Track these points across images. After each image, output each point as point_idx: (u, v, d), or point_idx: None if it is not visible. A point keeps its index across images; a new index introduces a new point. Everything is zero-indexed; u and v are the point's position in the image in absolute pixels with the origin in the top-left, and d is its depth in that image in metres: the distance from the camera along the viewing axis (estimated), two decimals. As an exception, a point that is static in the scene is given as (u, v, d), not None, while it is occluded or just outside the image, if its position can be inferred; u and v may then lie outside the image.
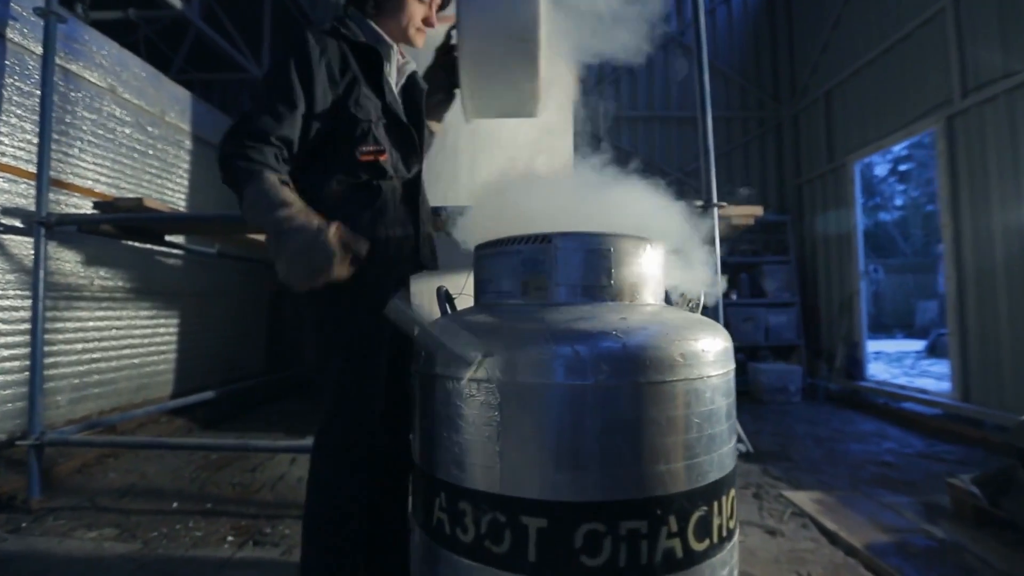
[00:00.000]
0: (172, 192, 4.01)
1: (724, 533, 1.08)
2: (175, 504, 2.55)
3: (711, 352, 1.08)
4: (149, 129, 3.74)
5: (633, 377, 0.98)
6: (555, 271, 1.15)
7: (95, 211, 2.81)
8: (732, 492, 1.13)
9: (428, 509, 1.14)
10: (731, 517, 1.12)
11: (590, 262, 1.15)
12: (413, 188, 1.42)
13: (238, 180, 1.16)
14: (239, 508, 2.50)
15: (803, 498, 2.55)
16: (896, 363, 7.87)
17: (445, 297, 1.35)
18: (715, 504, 1.06)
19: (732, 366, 1.18)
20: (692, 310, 1.31)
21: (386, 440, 1.38)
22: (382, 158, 1.32)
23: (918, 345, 9.35)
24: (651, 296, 1.23)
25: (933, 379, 6.07)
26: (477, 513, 1.03)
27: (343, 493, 1.28)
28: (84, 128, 3.19)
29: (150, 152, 3.74)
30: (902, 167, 16.17)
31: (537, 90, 1.45)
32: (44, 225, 2.55)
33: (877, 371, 5.60)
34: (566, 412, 0.99)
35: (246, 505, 2.54)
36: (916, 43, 4.45)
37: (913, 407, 4.39)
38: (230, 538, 2.19)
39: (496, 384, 1.01)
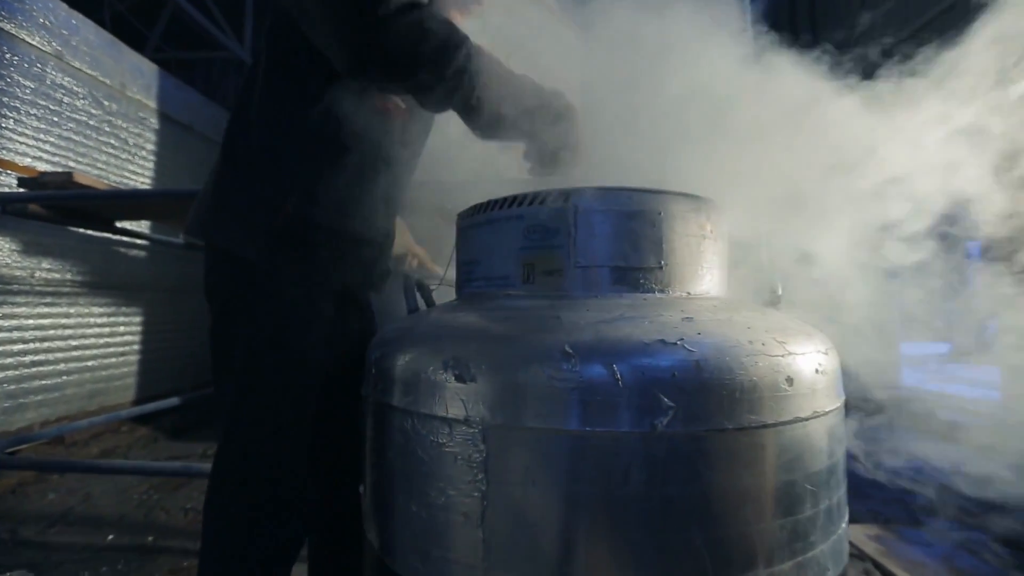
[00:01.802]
0: (134, 175, 3.60)
1: (844, 662, 0.68)
2: (110, 537, 2.15)
3: (827, 373, 0.68)
4: (106, 103, 3.33)
5: (714, 420, 0.57)
6: (576, 246, 0.74)
7: (21, 189, 2.40)
8: (849, 590, 0.73)
9: (378, 610, 0.74)
10: (850, 631, 0.71)
11: (629, 232, 0.74)
12: None
13: (449, 46, 0.77)
14: (184, 542, 2.10)
15: (858, 534, 2.14)
16: (919, 366, 7.44)
17: (416, 288, 0.96)
18: (834, 619, 0.66)
19: (844, 396, 0.77)
20: (772, 304, 0.91)
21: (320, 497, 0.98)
22: (394, 113, 0.95)
23: (941, 347, 8.91)
24: (715, 285, 0.82)
25: (966, 385, 5.64)
26: (449, 638, 0.62)
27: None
28: (22, 97, 2.78)
29: (106, 128, 3.33)
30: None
31: None
32: (-46, 204, 2.16)
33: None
34: (596, 479, 0.58)
35: (194, 538, 2.13)
36: (960, 16, 4.04)
37: (953, 416, 3.97)
38: (164, 585, 1.79)
39: (480, 428, 0.61)
